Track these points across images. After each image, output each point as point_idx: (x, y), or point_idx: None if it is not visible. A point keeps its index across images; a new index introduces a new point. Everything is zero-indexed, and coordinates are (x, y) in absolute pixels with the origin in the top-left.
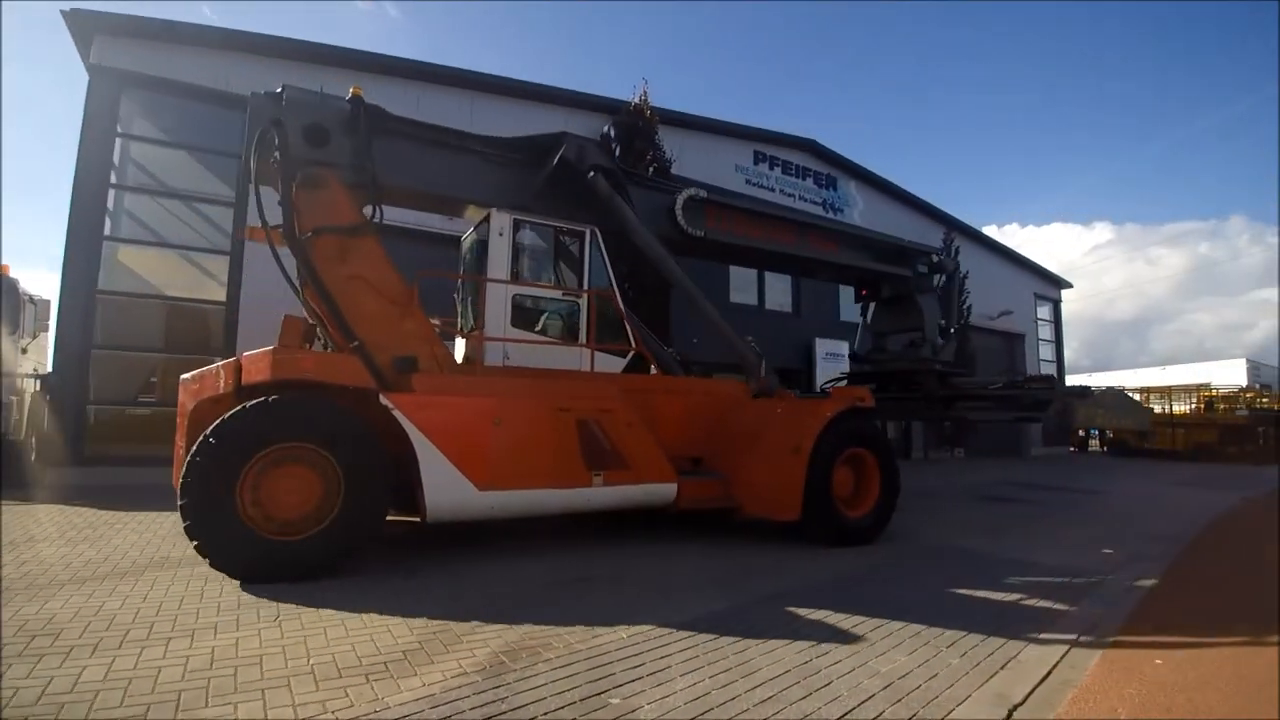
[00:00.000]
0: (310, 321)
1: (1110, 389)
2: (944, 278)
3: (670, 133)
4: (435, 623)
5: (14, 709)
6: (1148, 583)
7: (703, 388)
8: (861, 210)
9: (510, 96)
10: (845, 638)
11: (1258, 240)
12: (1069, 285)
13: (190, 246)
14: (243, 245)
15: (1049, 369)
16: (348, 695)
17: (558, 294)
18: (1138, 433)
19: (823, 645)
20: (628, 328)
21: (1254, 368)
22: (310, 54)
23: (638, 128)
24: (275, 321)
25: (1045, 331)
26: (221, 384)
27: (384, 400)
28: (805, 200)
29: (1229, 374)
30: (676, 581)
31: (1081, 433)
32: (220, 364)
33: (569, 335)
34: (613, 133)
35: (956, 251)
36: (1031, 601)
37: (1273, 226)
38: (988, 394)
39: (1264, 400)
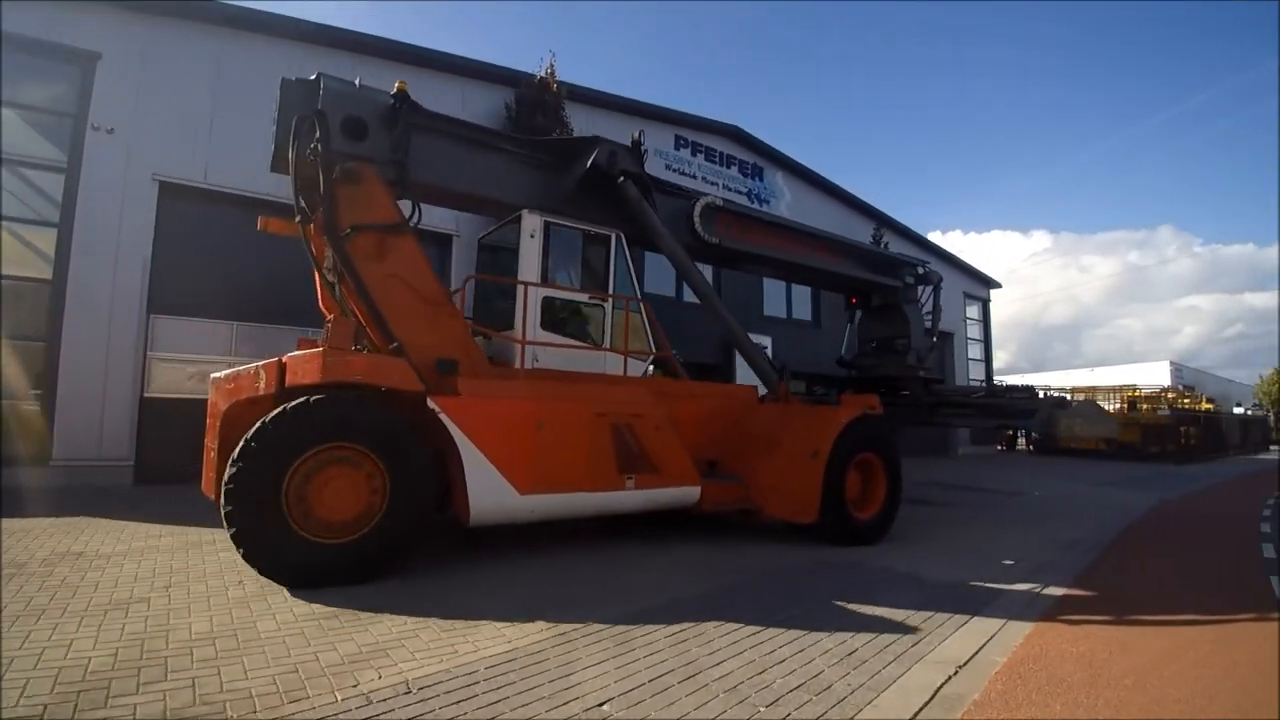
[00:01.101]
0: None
1: (1085, 400)
2: (929, 289)
3: (581, 110)
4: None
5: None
6: (1057, 592)
7: (719, 392)
8: (789, 202)
9: (399, 62)
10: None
11: (1184, 249)
12: (998, 285)
13: (12, 217)
14: (73, 217)
15: (977, 369)
16: None
17: (590, 297)
18: (1107, 439)
19: None
20: (659, 332)
21: (1177, 369)
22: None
23: (541, 102)
24: (108, 306)
25: (974, 331)
26: (262, 385)
27: (431, 403)
28: (730, 190)
29: (1153, 375)
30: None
31: (1011, 432)
32: (260, 364)
33: (597, 338)
34: (511, 106)
35: (886, 246)
36: (881, 640)
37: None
38: (971, 401)
39: (1186, 400)
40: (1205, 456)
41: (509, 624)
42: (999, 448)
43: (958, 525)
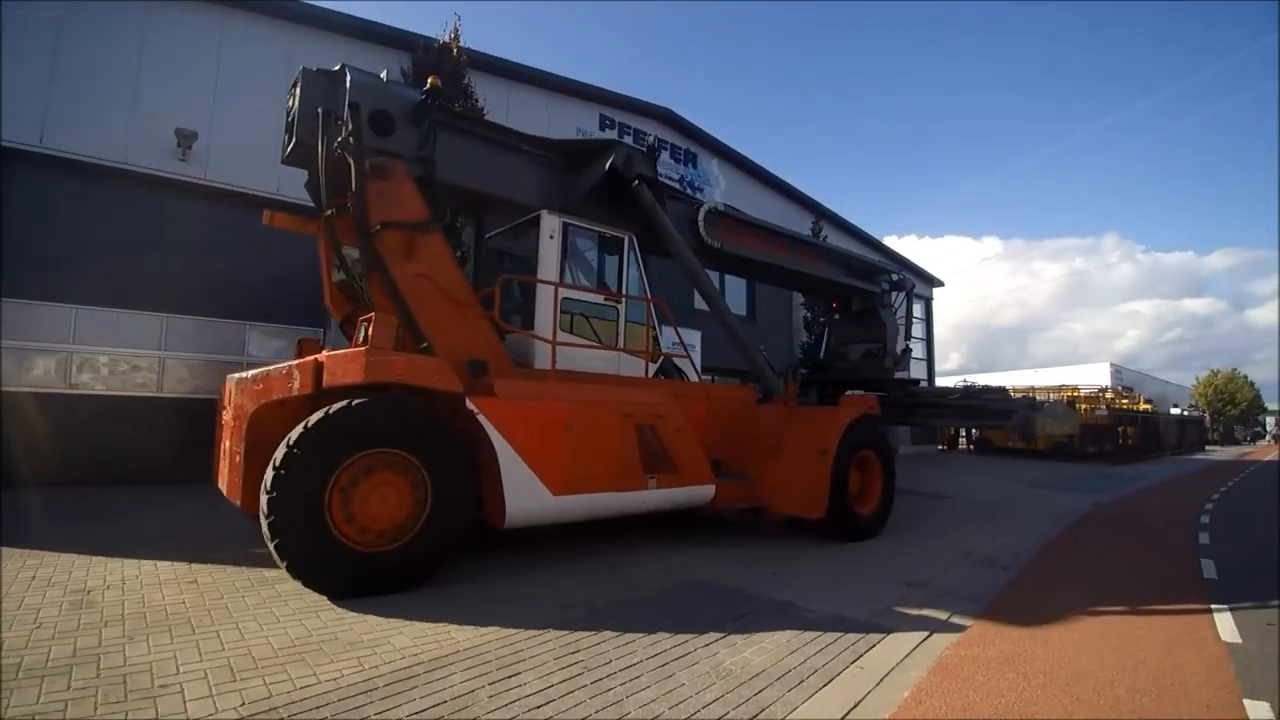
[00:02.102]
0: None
1: (1054, 401)
2: (903, 295)
3: (491, 82)
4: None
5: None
6: (954, 632)
7: (725, 393)
8: (724, 191)
9: (272, 17)
10: None
11: (1128, 256)
12: (940, 284)
13: None
14: None
15: (919, 367)
16: None
17: (605, 298)
18: (1069, 436)
19: None
20: (676, 334)
21: (1117, 371)
22: None
23: (442, 69)
24: None
25: (916, 329)
26: (296, 385)
27: (469, 404)
28: (662, 177)
29: (1095, 376)
30: None
31: (952, 431)
32: (293, 363)
33: (611, 339)
34: (408, 73)
35: (825, 239)
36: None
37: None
38: (947, 403)
39: (1124, 401)
40: (1142, 456)
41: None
42: (940, 447)
43: (861, 542)
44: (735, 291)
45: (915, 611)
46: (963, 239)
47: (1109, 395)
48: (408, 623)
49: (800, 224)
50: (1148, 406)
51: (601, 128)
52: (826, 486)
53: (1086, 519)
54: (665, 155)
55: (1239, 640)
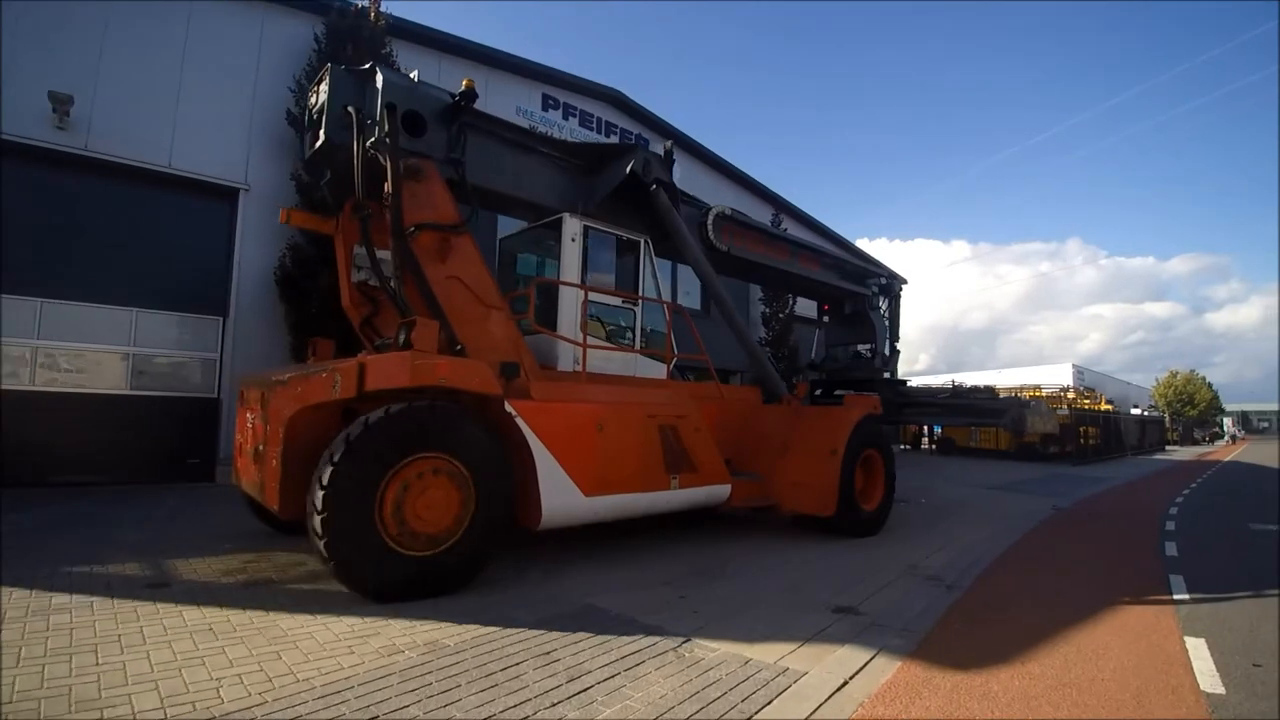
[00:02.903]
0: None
1: (1038, 400)
2: (892, 299)
3: (418, 53)
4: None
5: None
6: (883, 672)
7: (735, 395)
8: (679, 180)
9: None
10: None
11: (1090, 261)
12: (904, 282)
13: None
14: None
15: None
16: None
17: (623, 300)
18: (1048, 434)
19: None
20: (695, 336)
21: (1079, 372)
22: None
23: (358, 35)
24: None
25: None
26: (337, 389)
27: (508, 407)
28: None
29: (1057, 377)
30: None
31: (915, 430)
32: (334, 366)
33: (629, 341)
34: (320, 38)
35: (785, 231)
36: None
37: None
38: (937, 402)
39: (1086, 401)
40: (1104, 457)
41: None
42: (903, 446)
43: (804, 548)
44: (691, 286)
45: (836, 650)
46: (932, 242)
47: (1071, 395)
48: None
49: (760, 215)
50: (1109, 407)
51: (545, 108)
52: (836, 485)
53: (1044, 526)
54: (615, 139)
55: (1222, 690)
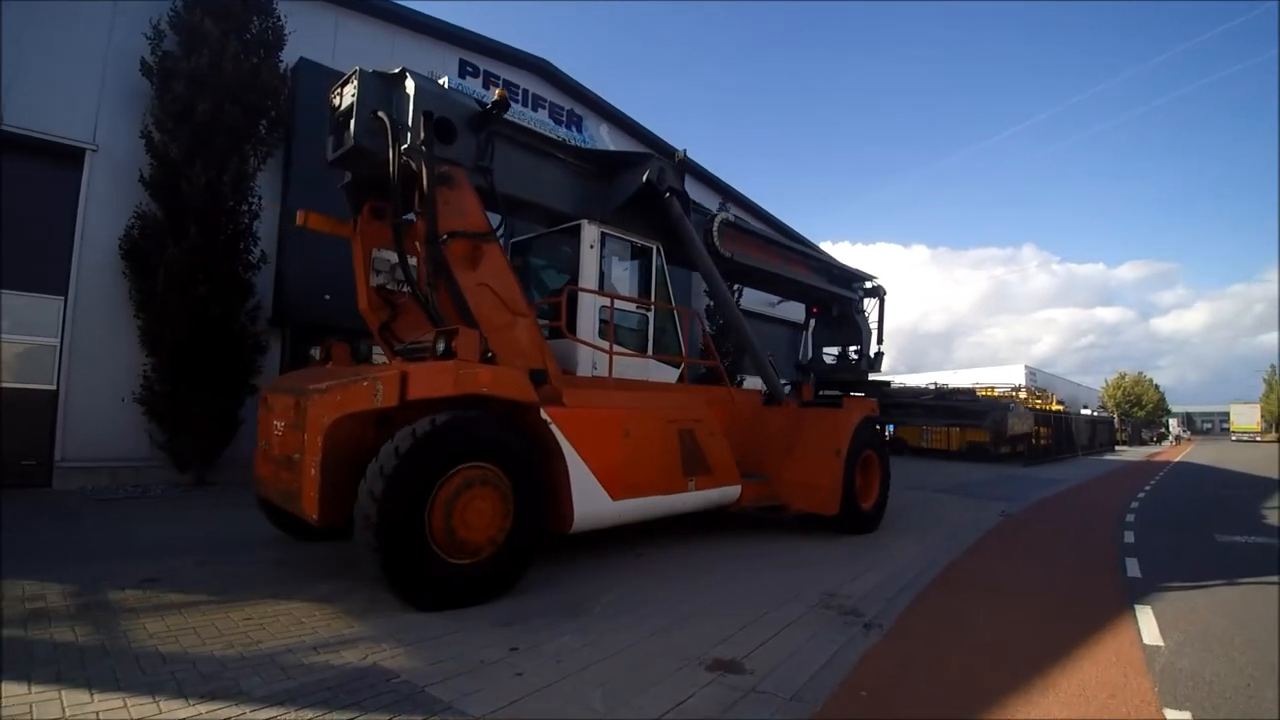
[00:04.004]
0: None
1: (1016, 403)
2: (877, 302)
3: (310, 8)
4: None
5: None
6: None
7: (740, 398)
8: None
9: None
10: None
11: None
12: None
13: None
14: None
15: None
16: None
17: (638, 306)
18: (1025, 433)
19: None
20: (707, 340)
21: (1031, 373)
22: None
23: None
24: None
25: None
26: (379, 398)
27: (544, 414)
28: None
29: (1010, 377)
30: None
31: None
32: (375, 375)
33: (642, 345)
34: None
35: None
36: None
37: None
38: (921, 403)
39: (1038, 401)
40: (1055, 457)
41: None
42: None
43: (707, 573)
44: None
45: None
46: (893, 246)
47: (1023, 395)
48: None
49: (708, 204)
50: (1060, 407)
51: (462, 74)
52: (841, 485)
53: (991, 537)
54: (544, 114)
55: None
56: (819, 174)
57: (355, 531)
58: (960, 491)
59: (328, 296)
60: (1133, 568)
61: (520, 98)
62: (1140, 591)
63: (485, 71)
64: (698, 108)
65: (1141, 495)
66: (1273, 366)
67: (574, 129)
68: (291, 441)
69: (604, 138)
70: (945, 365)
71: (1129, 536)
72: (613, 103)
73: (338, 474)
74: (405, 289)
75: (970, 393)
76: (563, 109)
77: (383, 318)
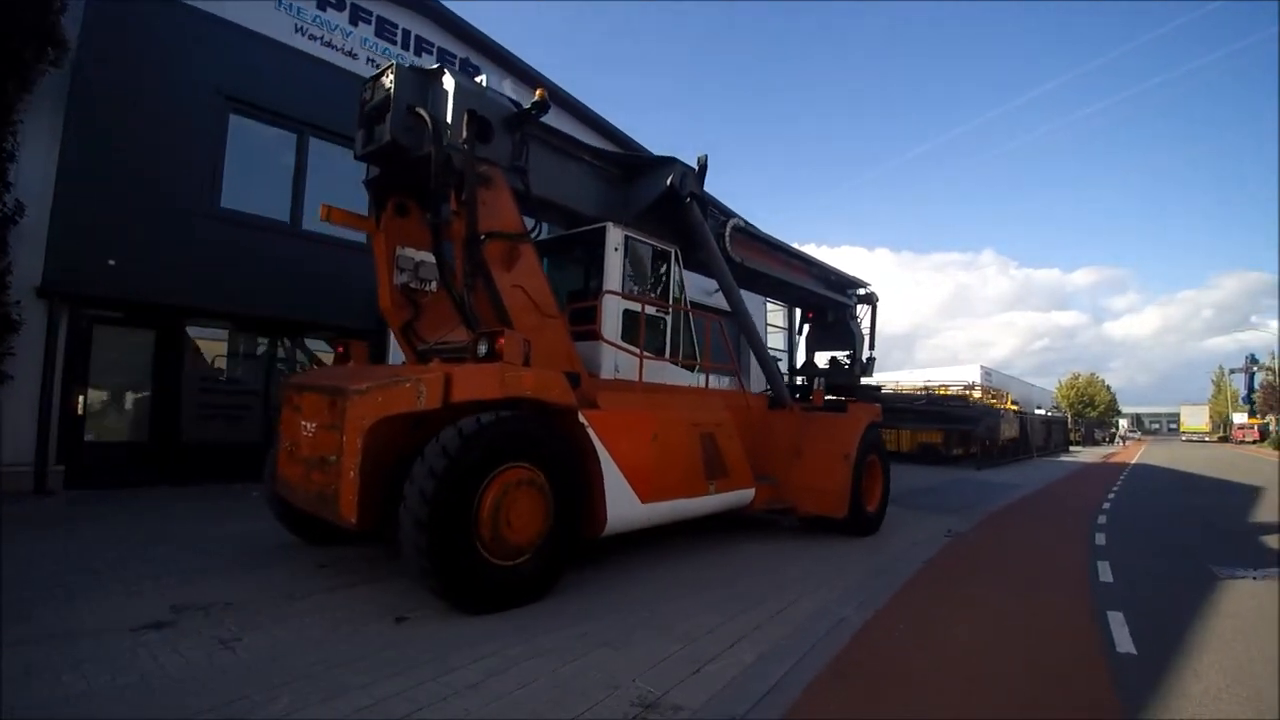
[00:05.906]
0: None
1: (1005, 409)
2: (870, 308)
3: None
4: None
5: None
6: None
7: (749, 402)
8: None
9: None
10: None
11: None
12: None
13: None
14: None
15: (780, 359)
16: None
17: (657, 310)
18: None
19: None
20: (726, 344)
21: (986, 373)
22: None
23: None
24: None
25: (777, 318)
26: (422, 400)
27: (581, 417)
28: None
29: (966, 376)
30: None
31: None
32: (419, 377)
33: (660, 349)
34: None
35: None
36: None
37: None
38: (913, 408)
39: (993, 400)
40: (1010, 458)
41: None
42: None
43: (613, 593)
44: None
45: None
46: (857, 249)
47: (977, 393)
48: None
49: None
50: (1014, 406)
51: (321, 6)
52: (849, 488)
53: (931, 571)
54: (428, 60)
55: None
56: (758, 170)
57: (403, 532)
58: (902, 502)
59: (112, 262)
60: (1122, 639)
61: (400, 39)
62: (1130, 669)
63: (354, 4)
64: (668, 103)
65: (1107, 506)
66: (1221, 368)
67: None
68: (326, 442)
69: (507, 92)
70: (906, 365)
71: (1105, 571)
72: (521, 55)
73: (373, 476)
74: (430, 287)
75: (962, 400)
76: (455, 56)
77: (405, 317)
